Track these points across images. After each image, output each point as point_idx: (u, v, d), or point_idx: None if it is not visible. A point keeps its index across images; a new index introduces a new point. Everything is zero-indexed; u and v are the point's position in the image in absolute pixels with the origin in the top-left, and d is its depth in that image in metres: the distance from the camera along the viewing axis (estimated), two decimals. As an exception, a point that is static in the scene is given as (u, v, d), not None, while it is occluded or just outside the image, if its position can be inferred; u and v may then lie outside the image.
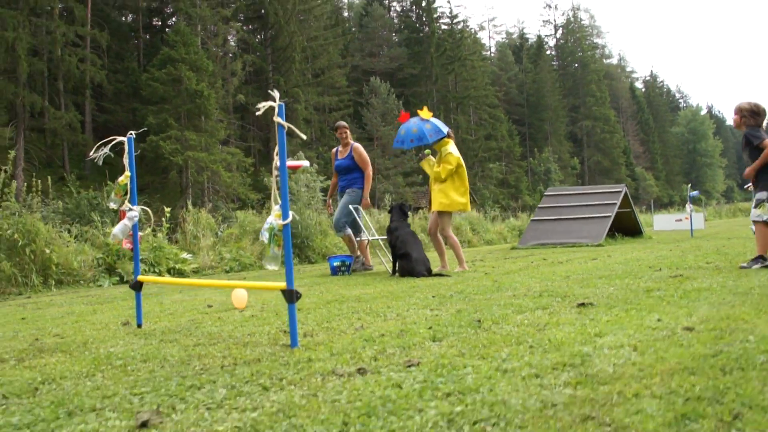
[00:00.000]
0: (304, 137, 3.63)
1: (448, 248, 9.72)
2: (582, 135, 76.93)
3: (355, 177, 9.97)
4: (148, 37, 47.72)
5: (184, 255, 11.42)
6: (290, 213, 3.57)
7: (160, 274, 10.40)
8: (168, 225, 12.06)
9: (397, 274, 8.48)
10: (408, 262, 8.20)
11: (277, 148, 3.59)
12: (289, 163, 3.46)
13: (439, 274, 8.17)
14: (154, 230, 11.42)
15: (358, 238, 9.98)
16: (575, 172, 71.81)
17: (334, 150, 10.43)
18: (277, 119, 3.52)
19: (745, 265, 6.66)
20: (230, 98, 41.06)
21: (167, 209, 11.92)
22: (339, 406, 2.30)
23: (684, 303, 4.25)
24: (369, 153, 40.39)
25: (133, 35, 46.67)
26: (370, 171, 10.03)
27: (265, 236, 3.66)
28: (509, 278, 6.98)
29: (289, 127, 3.57)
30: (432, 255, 10.31)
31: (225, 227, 13.86)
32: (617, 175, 72.70)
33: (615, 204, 15.35)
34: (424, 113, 9.00)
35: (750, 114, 6.95)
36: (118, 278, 10.13)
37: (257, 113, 3.63)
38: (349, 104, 50.01)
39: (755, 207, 6.86)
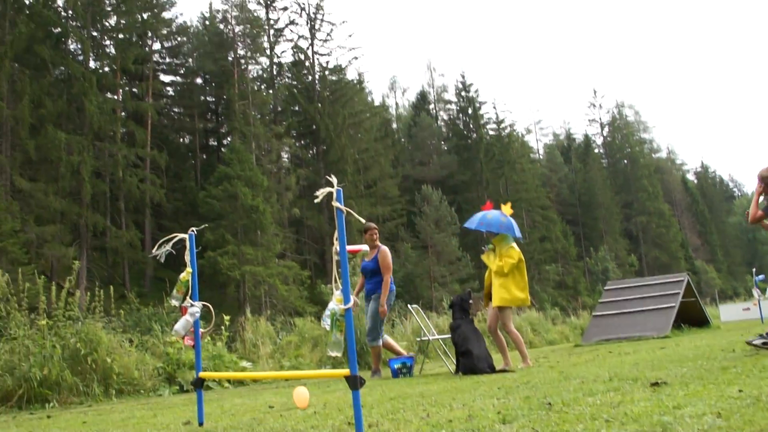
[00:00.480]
0: (363, 221, 3.64)
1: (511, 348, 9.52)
2: (637, 231, 75.94)
3: (380, 280, 9.54)
4: (204, 156, 49.14)
5: (244, 363, 11.38)
6: (352, 298, 3.54)
7: (219, 383, 10.35)
8: (227, 333, 12.09)
9: (459, 373, 8.31)
10: (470, 360, 8.05)
11: (336, 233, 3.59)
12: (349, 248, 3.47)
13: (503, 370, 7.98)
14: (212, 338, 11.45)
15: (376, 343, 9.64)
16: (633, 269, 70.54)
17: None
18: (335, 204, 3.54)
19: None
20: (285, 212, 41.66)
21: (226, 317, 11.96)
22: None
23: (765, 375, 4.07)
24: (423, 261, 40.25)
25: (190, 155, 48.08)
26: (388, 278, 9.51)
27: (327, 323, 3.63)
28: (576, 369, 6.79)
29: (348, 212, 3.58)
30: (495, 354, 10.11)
31: (284, 335, 13.83)
32: (677, 270, 71.03)
33: (678, 294, 14.98)
34: (507, 209, 8.95)
35: None
36: (177, 387, 10.10)
37: (316, 200, 3.65)
38: (402, 213, 50.31)
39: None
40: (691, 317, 16.11)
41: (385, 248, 9.68)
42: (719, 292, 63.66)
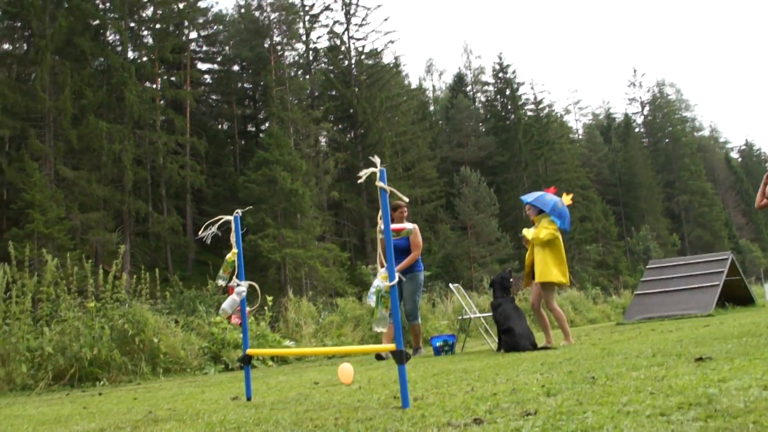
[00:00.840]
0: (407, 200, 3.69)
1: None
2: (680, 210, 75.02)
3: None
4: (243, 142, 49.52)
5: (287, 342, 11.53)
6: (396, 275, 3.59)
7: (263, 362, 10.51)
8: (270, 314, 12.24)
9: (501, 350, 8.34)
10: (511, 337, 8.08)
11: (380, 212, 3.64)
12: (393, 226, 3.52)
13: (545, 348, 8.00)
14: (256, 318, 11.63)
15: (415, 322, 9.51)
16: (676, 249, 69.69)
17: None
18: (379, 184, 3.59)
19: None
20: (324, 195, 41.85)
21: (269, 298, 12.10)
22: (460, 447, 2.27)
23: (812, 349, 4.05)
24: (462, 242, 40.14)
25: (229, 141, 48.47)
26: (417, 254, 9.50)
27: (372, 299, 3.69)
28: (618, 346, 6.79)
29: (391, 191, 3.63)
30: (537, 333, 10.11)
31: (326, 315, 13.96)
32: (720, 249, 69.99)
33: (722, 272, 14.80)
34: (567, 199, 8.90)
35: None
36: (223, 366, 10.28)
37: (359, 181, 3.70)
38: (441, 195, 50.24)
39: None
40: (736, 296, 15.92)
41: (415, 225, 9.38)
42: (764, 272, 62.66)
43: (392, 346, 3.53)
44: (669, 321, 12.96)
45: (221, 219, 4.78)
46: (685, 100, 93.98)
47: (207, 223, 4.76)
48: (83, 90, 31.98)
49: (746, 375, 3.26)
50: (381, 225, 3.63)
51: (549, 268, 8.52)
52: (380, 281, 3.61)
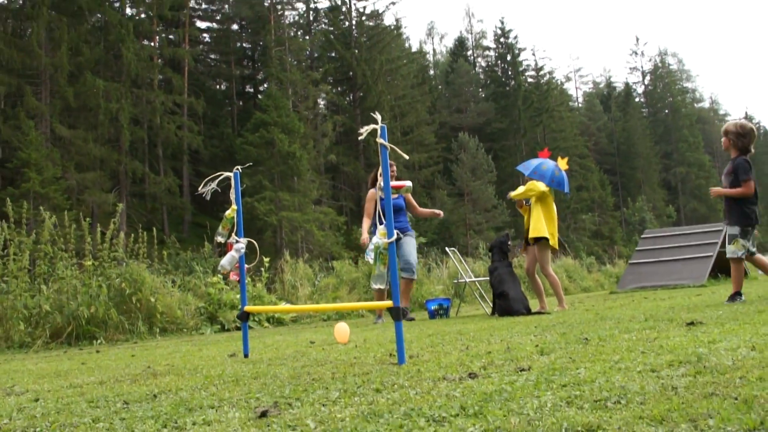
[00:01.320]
0: (407, 157, 3.71)
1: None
2: (676, 182, 75.04)
3: (405, 219, 9.45)
4: (241, 103, 49.30)
5: (283, 304, 11.60)
6: (395, 232, 3.63)
7: (259, 322, 10.59)
8: (267, 275, 12.32)
9: (495, 314, 8.42)
10: (505, 301, 8.15)
11: (380, 169, 3.67)
12: (393, 183, 3.54)
13: (539, 313, 8.08)
14: (252, 279, 11.70)
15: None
16: (671, 221, 69.86)
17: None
18: (379, 140, 3.62)
19: (727, 302, 6.65)
20: (322, 159, 41.77)
21: (266, 259, 12.16)
22: (454, 398, 2.32)
23: (800, 315, 4.12)
24: (459, 209, 40.11)
25: (227, 102, 48.20)
26: (418, 213, 9.85)
27: (370, 256, 3.73)
28: (611, 311, 6.86)
29: (391, 148, 3.66)
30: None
31: (322, 277, 14.04)
32: (715, 222, 70.14)
33: (716, 243, 14.88)
34: (563, 164, 8.88)
35: (736, 136, 6.71)
36: (219, 326, 10.36)
37: (360, 138, 3.73)
38: (438, 160, 50.15)
39: (729, 243, 6.76)
40: (729, 268, 15.97)
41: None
42: (758, 245, 62.71)
43: (389, 303, 3.58)
44: (662, 290, 13.06)
45: (221, 175, 4.81)
46: (687, 71, 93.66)
47: (207, 179, 4.78)
48: (80, 47, 31.64)
49: (735, 337, 3.33)
50: (381, 182, 3.66)
51: (541, 224, 8.56)
52: (379, 238, 3.65)
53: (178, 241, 31.82)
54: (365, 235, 9.03)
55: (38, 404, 3.13)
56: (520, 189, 8.80)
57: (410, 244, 9.28)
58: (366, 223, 9.28)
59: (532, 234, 8.63)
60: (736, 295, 6.63)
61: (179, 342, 8.19)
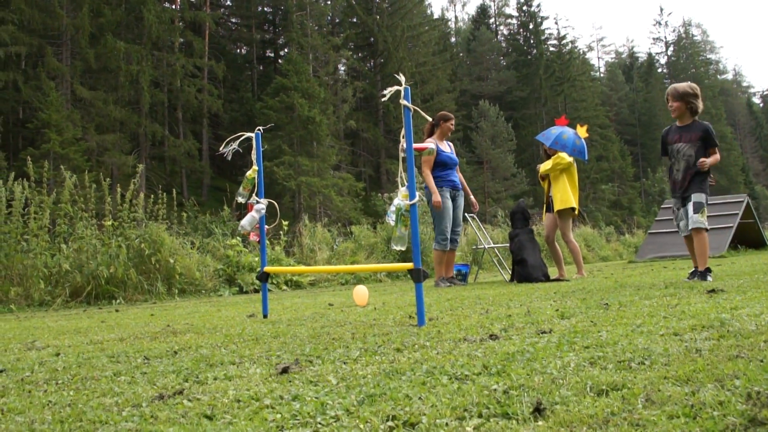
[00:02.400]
0: (430, 119, 3.68)
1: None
2: (698, 154, 74.28)
3: (456, 176, 8.78)
4: (261, 67, 49.16)
5: (301, 267, 11.63)
6: (417, 193, 3.61)
7: (278, 285, 10.64)
8: (285, 239, 12.34)
9: (514, 281, 8.40)
10: (524, 268, 8.13)
11: (403, 131, 3.64)
12: (415, 145, 3.50)
13: (558, 280, 8.05)
14: (271, 242, 11.72)
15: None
16: (692, 192, 69.24)
17: (430, 141, 8.67)
18: (403, 102, 3.58)
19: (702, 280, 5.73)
20: (341, 124, 41.71)
21: (285, 223, 12.16)
22: (476, 357, 2.32)
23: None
24: (478, 176, 39.78)
25: (247, 66, 48.10)
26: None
27: (391, 218, 3.71)
28: (631, 279, 6.84)
29: (415, 109, 3.63)
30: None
31: (341, 241, 14.03)
32: (736, 194, 69.49)
33: (737, 214, 14.76)
34: (582, 131, 8.75)
35: (695, 98, 6.12)
36: (237, 288, 10.41)
37: (383, 99, 3.69)
38: (458, 128, 49.93)
39: (695, 212, 6.00)
40: (749, 239, 15.88)
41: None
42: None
43: (410, 265, 3.57)
44: (681, 260, 12.98)
45: (242, 135, 4.79)
46: (711, 42, 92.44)
47: (228, 139, 4.76)
48: (101, 8, 31.62)
49: (758, 304, 3.30)
50: (403, 143, 3.63)
51: (568, 194, 8.52)
52: (400, 200, 3.63)
53: (197, 204, 31.96)
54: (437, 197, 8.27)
55: (59, 358, 3.16)
56: (549, 164, 8.74)
57: (461, 209, 8.84)
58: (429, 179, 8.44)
59: (560, 205, 8.57)
60: (706, 272, 5.83)
61: (198, 303, 8.24)
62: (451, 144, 8.89)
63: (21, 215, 9.31)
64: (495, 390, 1.79)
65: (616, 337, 2.49)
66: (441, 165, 8.50)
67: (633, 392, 1.66)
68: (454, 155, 8.78)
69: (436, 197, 8.17)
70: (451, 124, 8.74)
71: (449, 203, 8.46)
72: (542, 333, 2.83)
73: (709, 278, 5.72)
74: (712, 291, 4.30)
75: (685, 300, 3.88)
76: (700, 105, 6.14)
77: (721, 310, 3.16)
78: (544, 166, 8.80)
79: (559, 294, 5.33)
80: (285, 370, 2.29)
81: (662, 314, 3.19)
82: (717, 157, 6.04)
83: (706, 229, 5.98)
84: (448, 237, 8.48)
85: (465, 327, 3.31)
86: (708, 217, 15.05)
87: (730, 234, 14.32)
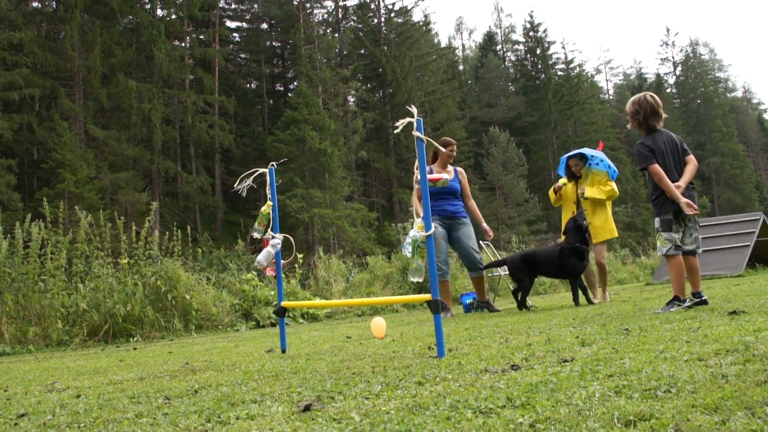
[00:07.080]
0: (443, 150, 3.69)
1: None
2: (710, 173, 74.15)
3: (460, 203, 8.64)
4: (271, 101, 49.52)
5: (318, 300, 11.63)
6: (432, 225, 3.61)
7: (294, 318, 10.63)
8: (300, 272, 12.34)
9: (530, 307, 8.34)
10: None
11: (417, 162, 3.65)
12: (430, 176, 3.50)
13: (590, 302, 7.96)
14: (286, 275, 11.72)
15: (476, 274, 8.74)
16: (705, 211, 68.98)
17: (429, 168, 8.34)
18: (416, 133, 3.59)
19: (659, 310, 5.42)
20: (352, 155, 41.84)
21: (300, 255, 12.16)
22: (499, 389, 2.30)
23: None
24: (490, 203, 39.79)
25: (257, 100, 48.44)
26: (473, 203, 8.87)
27: (407, 249, 3.71)
28: (649, 303, 6.79)
29: (427, 140, 3.63)
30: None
31: (356, 273, 14.02)
32: (751, 212, 69.11)
33: (753, 233, 14.65)
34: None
35: (632, 115, 5.99)
36: (254, 323, 10.41)
37: (396, 131, 3.70)
38: (469, 155, 50.00)
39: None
40: (766, 257, 15.75)
41: (460, 168, 8.79)
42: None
43: (428, 296, 3.56)
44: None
45: (256, 171, 4.81)
46: (719, 60, 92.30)
47: (242, 176, 4.79)
48: (112, 48, 32.04)
49: (782, 326, 3.26)
50: (417, 175, 3.63)
51: (611, 224, 8.63)
52: (416, 231, 3.63)
53: (211, 239, 32.01)
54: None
55: (80, 400, 3.16)
56: (601, 192, 8.60)
57: (468, 236, 8.59)
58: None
59: (608, 236, 8.65)
60: (673, 301, 5.46)
61: (215, 339, 8.23)
62: (459, 170, 8.69)
63: (38, 256, 9.37)
64: (521, 424, 1.77)
65: (640, 365, 2.46)
66: (434, 194, 8.09)
67: (662, 422, 1.64)
68: (455, 182, 8.56)
69: None
70: (451, 150, 8.31)
71: (438, 232, 8.11)
72: (564, 362, 2.81)
73: (674, 306, 5.38)
74: (734, 313, 4.26)
75: (706, 323, 3.84)
76: (642, 118, 5.96)
77: (745, 332, 3.13)
78: (593, 193, 8.65)
79: (578, 320, 5.29)
80: (307, 408, 2.28)
81: (684, 338, 3.15)
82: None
83: (667, 255, 5.49)
84: (442, 267, 8.21)
85: (485, 357, 3.29)
86: (725, 236, 15.00)
87: (748, 252, 14.20)
